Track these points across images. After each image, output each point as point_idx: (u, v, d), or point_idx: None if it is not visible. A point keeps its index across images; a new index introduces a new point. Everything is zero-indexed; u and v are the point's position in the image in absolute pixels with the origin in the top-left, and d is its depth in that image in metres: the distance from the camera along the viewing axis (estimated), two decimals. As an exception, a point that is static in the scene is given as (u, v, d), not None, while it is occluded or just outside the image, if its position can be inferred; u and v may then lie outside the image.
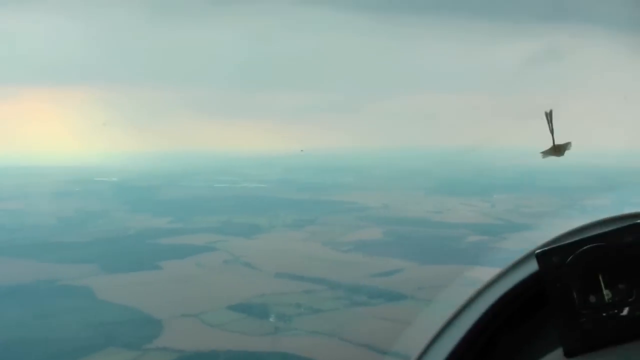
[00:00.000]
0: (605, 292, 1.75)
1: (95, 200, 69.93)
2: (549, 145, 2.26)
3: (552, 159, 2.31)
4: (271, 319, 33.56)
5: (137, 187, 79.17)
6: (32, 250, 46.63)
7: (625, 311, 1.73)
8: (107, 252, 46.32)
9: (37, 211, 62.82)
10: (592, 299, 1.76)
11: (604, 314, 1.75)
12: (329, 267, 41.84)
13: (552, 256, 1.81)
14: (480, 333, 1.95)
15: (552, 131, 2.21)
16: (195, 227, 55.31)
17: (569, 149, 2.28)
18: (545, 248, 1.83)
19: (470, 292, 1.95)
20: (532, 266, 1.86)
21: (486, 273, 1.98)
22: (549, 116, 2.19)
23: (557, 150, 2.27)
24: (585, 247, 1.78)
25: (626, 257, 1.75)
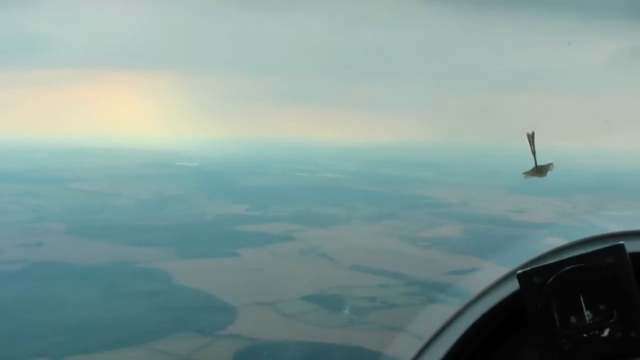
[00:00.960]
0: (586, 313, 1.76)
1: (175, 184, 70.43)
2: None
3: None
4: (345, 312, 33.13)
5: (217, 173, 79.59)
6: (110, 232, 47.07)
7: (606, 332, 1.73)
8: (185, 236, 46.42)
9: (118, 193, 63.66)
10: (573, 319, 1.76)
11: (585, 335, 1.75)
12: (405, 262, 41.10)
13: (533, 276, 1.82)
14: (461, 352, 1.96)
15: (534, 153, 2.21)
16: (273, 216, 55.18)
17: (551, 170, 2.28)
18: (527, 268, 1.84)
19: (451, 311, 1.96)
20: (513, 285, 1.88)
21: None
22: (530, 138, 2.19)
23: (540, 171, 2.28)
24: (566, 268, 1.79)
25: (607, 278, 1.76)
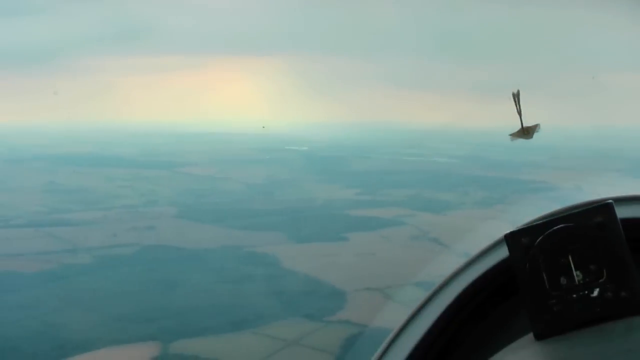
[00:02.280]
0: (576, 273, 1.75)
1: (284, 168, 70.57)
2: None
3: None
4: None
5: (326, 157, 79.45)
6: (220, 216, 47.26)
7: (596, 292, 1.73)
8: (294, 221, 46.21)
9: (228, 177, 64.12)
10: (562, 280, 1.75)
11: (574, 296, 1.74)
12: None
13: (521, 237, 1.79)
14: (450, 320, 1.95)
15: (519, 113, 2.19)
16: (383, 200, 54.44)
17: (537, 132, 2.25)
18: (515, 229, 1.83)
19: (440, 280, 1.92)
20: (503, 252, 1.87)
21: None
22: (516, 97, 2.17)
23: (526, 132, 2.25)
24: (554, 228, 1.77)
25: (596, 237, 1.75)
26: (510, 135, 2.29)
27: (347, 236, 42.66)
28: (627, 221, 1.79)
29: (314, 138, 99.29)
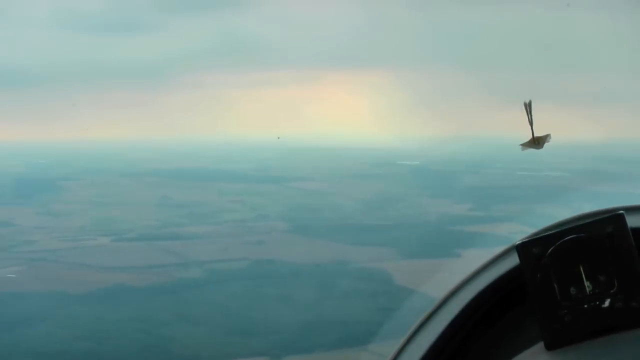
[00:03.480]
0: (587, 283, 1.74)
1: (396, 183, 69.92)
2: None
3: None
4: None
5: (437, 171, 78.46)
6: (331, 231, 47.03)
7: (607, 302, 1.72)
8: (406, 236, 45.52)
9: (339, 192, 63.87)
10: (573, 290, 1.74)
11: (585, 306, 1.74)
12: None
13: (532, 247, 1.80)
14: (459, 328, 1.94)
15: (531, 123, 2.21)
16: (495, 216, 53.18)
17: (548, 142, 2.27)
18: (526, 239, 1.83)
19: (449, 287, 1.97)
20: (513, 260, 1.87)
21: None
22: (528, 107, 2.18)
23: (537, 142, 2.26)
24: (565, 238, 1.78)
25: (607, 247, 1.75)
26: (521, 145, 2.28)
27: (460, 252, 41.73)
28: (638, 231, 1.77)
29: (426, 152, 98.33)
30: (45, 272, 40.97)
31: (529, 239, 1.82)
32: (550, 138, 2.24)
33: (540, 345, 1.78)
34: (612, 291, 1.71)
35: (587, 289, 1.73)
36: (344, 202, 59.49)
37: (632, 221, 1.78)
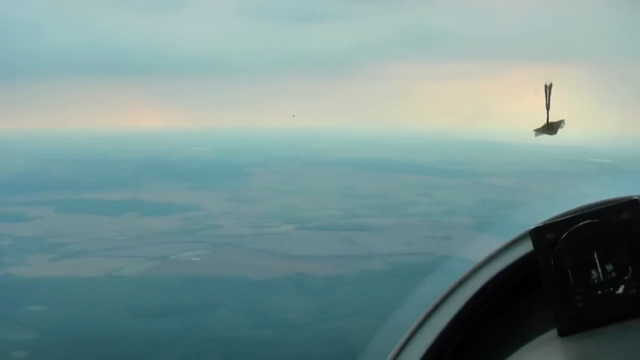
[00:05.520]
0: (601, 269, 1.68)
1: (585, 182, 66.81)
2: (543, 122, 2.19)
3: None
4: None
5: (630, 170, 74.32)
6: (520, 228, 45.16)
7: (621, 289, 1.68)
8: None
9: (527, 189, 61.74)
10: (587, 276, 1.69)
11: (599, 292, 1.69)
12: None
13: (546, 233, 1.74)
14: (467, 318, 1.87)
15: (548, 107, 2.17)
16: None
17: (562, 127, 2.25)
18: (540, 224, 1.76)
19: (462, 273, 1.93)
20: (526, 246, 1.80)
21: None
22: (547, 89, 2.13)
23: (551, 128, 2.24)
24: (580, 224, 1.72)
25: (622, 233, 1.69)
26: (535, 130, 2.27)
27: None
28: None
29: (617, 151, 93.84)
30: (228, 256, 41.50)
31: (544, 224, 1.72)
32: (564, 124, 2.17)
33: (553, 331, 1.72)
34: (626, 278, 1.65)
35: (602, 276, 1.66)
36: (533, 199, 57.36)
37: None
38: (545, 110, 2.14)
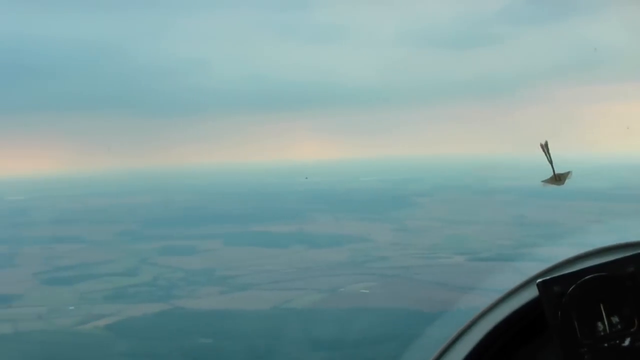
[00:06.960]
0: (607, 322, 1.71)
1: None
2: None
3: None
4: None
5: None
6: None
7: (627, 341, 1.71)
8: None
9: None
10: (593, 328, 1.72)
11: (605, 344, 1.72)
12: None
13: (553, 285, 1.80)
14: (479, 358, 1.92)
15: (550, 162, 2.22)
16: None
17: (569, 178, 2.28)
18: (547, 277, 1.83)
19: (469, 317, 1.93)
20: (531, 293, 1.88)
21: None
22: (545, 148, 2.19)
23: (558, 179, 2.28)
24: (587, 277, 1.77)
25: (628, 287, 1.74)
26: (542, 182, 2.26)
27: None
28: None
29: None
30: (398, 288, 40.79)
31: (550, 277, 1.79)
32: (571, 175, 2.18)
33: None
34: (632, 330, 1.69)
35: (608, 328, 1.70)
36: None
37: None
38: (550, 165, 2.13)
